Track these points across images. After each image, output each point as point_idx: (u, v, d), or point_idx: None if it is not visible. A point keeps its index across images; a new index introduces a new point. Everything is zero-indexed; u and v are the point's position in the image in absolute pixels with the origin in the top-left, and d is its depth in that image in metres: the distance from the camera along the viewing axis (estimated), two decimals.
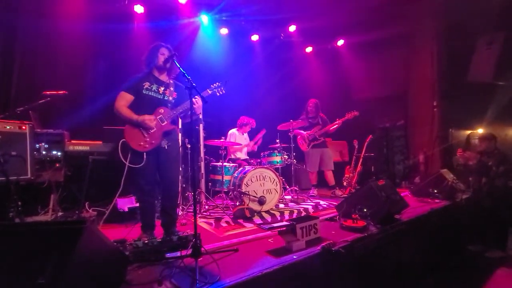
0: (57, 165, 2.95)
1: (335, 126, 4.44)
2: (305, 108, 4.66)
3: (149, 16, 4.58)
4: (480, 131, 5.38)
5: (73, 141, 3.12)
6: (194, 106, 2.24)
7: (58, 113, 3.72)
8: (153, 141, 2.28)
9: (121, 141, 2.24)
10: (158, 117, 2.32)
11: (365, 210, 2.57)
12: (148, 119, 2.25)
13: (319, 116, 4.55)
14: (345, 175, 4.79)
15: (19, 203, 2.39)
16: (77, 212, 2.98)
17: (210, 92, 2.50)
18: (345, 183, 4.71)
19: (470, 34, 4.93)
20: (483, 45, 4.82)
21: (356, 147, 4.83)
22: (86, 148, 3.15)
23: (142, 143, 2.25)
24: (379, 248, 2.31)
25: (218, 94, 2.55)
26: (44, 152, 2.90)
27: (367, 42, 5.81)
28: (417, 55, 5.70)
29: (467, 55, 4.96)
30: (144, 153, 2.25)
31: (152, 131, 2.28)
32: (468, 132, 5.52)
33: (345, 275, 2.00)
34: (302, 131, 4.54)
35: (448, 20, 5.06)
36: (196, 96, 2.35)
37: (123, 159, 2.24)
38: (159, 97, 2.38)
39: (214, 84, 2.53)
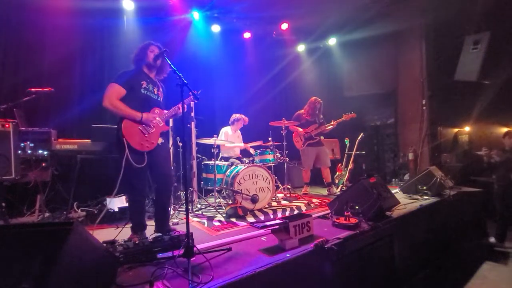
0: (44, 164, 2.87)
1: (330, 127, 4.47)
2: (308, 104, 4.61)
3: (139, 12, 4.48)
4: (467, 129, 5.54)
5: (60, 140, 3.03)
6: (179, 111, 2.26)
7: (44, 111, 3.61)
8: (153, 141, 2.28)
9: (124, 139, 2.13)
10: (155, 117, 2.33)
11: (357, 207, 2.60)
12: (153, 117, 2.26)
13: (317, 115, 4.56)
14: (337, 173, 4.83)
15: (3, 204, 2.32)
16: (65, 212, 2.91)
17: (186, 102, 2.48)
18: (337, 181, 4.75)
19: (457, 34, 5.05)
20: (469, 45, 4.94)
21: (348, 145, 4.87)
22: (74, 147, 3.07)
23: (143, 143, 2.22)
24: (371, 244, 2.34)
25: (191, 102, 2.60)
26: (29, 151, 2.80)
27: (358, 41, 5.86)
28: (406, 54, 5.80)
29: (454, 54, 5.07)
30: (145, 153, 2.22)
31: (152, 131, 2.27)
32: (456, 130, 5.67)
33: (338, 272, 2.01)
34: (298, 128, 4.53)
35: (436, 19, 5.16)
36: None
37: (130, 159, 2.11)
38: (154, 97, 2.38)
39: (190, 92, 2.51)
